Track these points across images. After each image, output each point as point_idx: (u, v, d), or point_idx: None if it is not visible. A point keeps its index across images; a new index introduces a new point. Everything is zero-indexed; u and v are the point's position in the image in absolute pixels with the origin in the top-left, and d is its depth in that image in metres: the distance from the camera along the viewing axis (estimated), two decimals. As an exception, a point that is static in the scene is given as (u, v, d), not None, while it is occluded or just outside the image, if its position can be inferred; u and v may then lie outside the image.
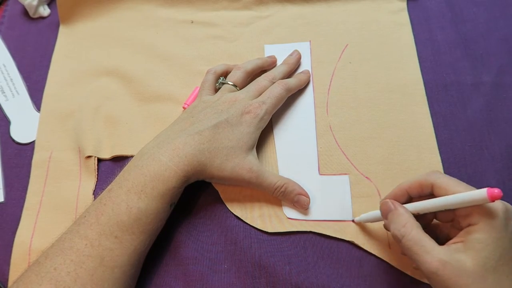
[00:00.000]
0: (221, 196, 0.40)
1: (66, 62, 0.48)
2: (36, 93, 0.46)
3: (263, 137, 0.43)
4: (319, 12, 0.50)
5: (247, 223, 0.39)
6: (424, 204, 0.30)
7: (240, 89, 0.41)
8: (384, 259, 0.37)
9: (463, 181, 0.31)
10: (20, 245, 0.38)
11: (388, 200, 0.32)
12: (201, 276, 0.36)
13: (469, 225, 0.28)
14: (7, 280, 0.37)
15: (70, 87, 0.46)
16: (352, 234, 0.38)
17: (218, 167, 0.36)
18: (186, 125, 0.38)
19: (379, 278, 0.36)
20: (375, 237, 0.38)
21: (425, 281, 0.35)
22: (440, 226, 0.33)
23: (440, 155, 0.41)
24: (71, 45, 0.49)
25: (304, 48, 0.47)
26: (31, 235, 0.39)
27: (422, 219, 0.31)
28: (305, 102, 0.44)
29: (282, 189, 0.38)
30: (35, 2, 0.49)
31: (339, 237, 0.38)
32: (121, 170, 0.36)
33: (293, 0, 0.50)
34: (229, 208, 0.39)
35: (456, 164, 0.41)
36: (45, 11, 0.51)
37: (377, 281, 0.36)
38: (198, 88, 0.44)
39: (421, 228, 0.29)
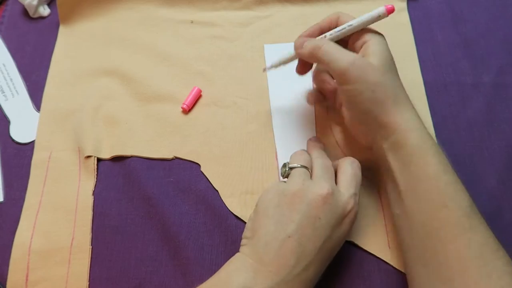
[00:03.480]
0: (219, 194, 0.40)
1: (66, 62, 0.48)
2: (36, 93, 0.46)
3: (263, 138, 0.43)
4: (319, 12, 0.50)
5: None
6: (335, 31, 0.37)
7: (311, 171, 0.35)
8: (384, 259, 0.37)
9: (463, 181, 0.32)
10: (19, 245, 0.38)
11: (301, 36, 0.38)
12: (201, 276, 0.36)
13: (364, 43, 0.35)
14: (6, 280, 0.37)
15: (70, 87, 0.46)
16: (352, 234, 0.38)
17: None
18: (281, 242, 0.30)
19: (379, 278, 0.36)
20: (375, 237, 0.38)
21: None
22: None
23: (440, 155, 0.41)
24: (71, 45, 0.49)
25: (304, 48, 0.47)
26: (31, 236, 0.38)
27: None
28: (305, 102, 0.44)
29: None
30: (35, 2, 0.49)
31: (339, 237, 0.38)
32: (120, 170, 0.36)
33: (293, 0, 0.50)
34: (229, 208, 0.39)
35: (456, 164, 0.41)
36: (45, 11, 0.51)
37: (376, 281, 0.36)
38: (197, 88, 0.44)
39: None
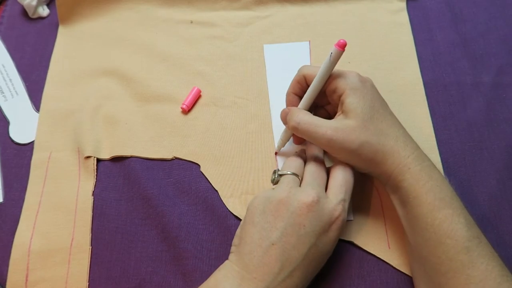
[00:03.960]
0: (219, 194, 0.40)
1: (65, 62, 0.48)
2: (35, 93, 0.46)
3: (263, 138, 0.43)
4: (318, 12, 0.50)
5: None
6: (305, 97, 0.37)
7: (301, 179, 0.35)
8: (384, 259, 0.37)
9: (463, 181, 0.32)
10: (19, 246, 0.38)
11: (283, 108, 0.38)
12: (201, 277, 0.36)
13: (339, 97, 0.35)
14: (5, 281, 0.37)
15: (69, 87, 0.46)
16: (352, 234, 0.38)
17: None
18: (264, 250, 0.31)
19: (379, 278, 0.36)
20: (375, 237, 0.38)
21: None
22: (332, 114, 0.39)
23: (440, 155, 0.41)
24: (70, 45, 0.49)
25: (303, 48, 0.47)
26: (31, 236, 0.38)
27: (318, 114, 0.39)
28: (305, 102, 0.44)
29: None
30: (34, 3, 0.49)
31: (339, 237, 0.37)
32: (120, 170, 0.36)
33: (292, 0, 0.50)
34: (229, 208, 0.39)
35: (456, 164, 0.41)
36: (44, 11, 0.51)
37: (376, 281, 0.36)
38: (196, 88, 0.44)
39: (312, 115, 0.36)
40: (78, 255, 0.38)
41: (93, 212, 0.40)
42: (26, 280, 0.37)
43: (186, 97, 0.44)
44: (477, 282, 0.28)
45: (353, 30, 0.48)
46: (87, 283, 0.37)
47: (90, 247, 0.38)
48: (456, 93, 0.44)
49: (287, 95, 0.39)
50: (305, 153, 0.39)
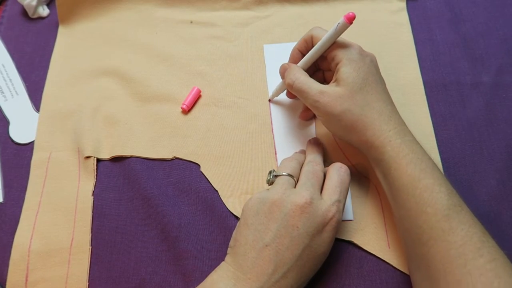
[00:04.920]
0: (219, 194, 0.40)
1: (65, 62, 0.48)
2: (35, 94, 0.46)
3: (263, 138, 0.43)
4: (318, 12, 0.50)
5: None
6: (306, 57, 0.38)
7: (296, 180, 0.35)
8: (384, 259, 0.37)
9: (463, 181, 0.32)
10: (19, 246, 0.38)
11: (284, 63, 0.40)
12: (201, 277, 0.36)
13: (337, 64, 0.36)
14: (5, 281, 0.37)
15: (69, 87, 0.46)
16: (351, 234, 0.38)
17: None
18: (258, 252, 0.31)
19: (379, 278, 0.36)
20: (375, 237, 0.38)
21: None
22: (328, 79, 0.41)
23: (440, 155, 0.41)
24: (70, 45, 0.49)
25: (303, 48, 0.47)
26: (31, 236, 0.38)
27: (315, 76, 0.40)
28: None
29: None
30: (34, 3, 0.49)
31: (339, 237, 0.38)
32: (119, 170, 0.36)
33: (292, 0, 0.50)
34: (229, 208, 0.39)
35: (456, 163, 0.41)
36: (44, 11, 0.51)
37: (376, 281, 0.36)
38: (196, 88, 0.44)
39: (308, 76, 0.37)
40: (78, 255, 0.38)
41: (93, 212, 0.40)
42: (26, 280, 0.37)
43: (186, 97, 0.44)
44: (457, 248, 0.29)
45: (353, 30, 0.48)
46: (87, 283, 0.37)
47: (90, 247, 0.38)
48: (456, 93, 0.44)
49: (293, 50, 0.40)
50: (304, 155, 0.39)
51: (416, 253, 0.32)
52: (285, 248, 0.31)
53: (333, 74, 0.37)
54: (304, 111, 0.43)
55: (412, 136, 0.35)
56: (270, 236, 0.31)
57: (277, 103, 0.45)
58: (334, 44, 0.36)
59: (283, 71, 0.40)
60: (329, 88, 0.35)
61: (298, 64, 0.39)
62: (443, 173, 0.33)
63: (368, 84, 0.35)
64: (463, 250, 0.29)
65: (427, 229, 0.31)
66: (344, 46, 0.36)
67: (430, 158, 0.34)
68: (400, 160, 0.33)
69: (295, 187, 0.34)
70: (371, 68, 0.36)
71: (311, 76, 0.38)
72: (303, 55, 0.39)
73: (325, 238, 0.32)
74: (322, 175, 0.35)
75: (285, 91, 0.43)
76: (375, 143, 0.34)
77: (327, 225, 0.32)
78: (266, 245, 0.31)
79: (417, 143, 0.34)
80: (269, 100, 0.44)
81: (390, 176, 0.33)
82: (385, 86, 0.37)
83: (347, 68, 0.35)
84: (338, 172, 0.35)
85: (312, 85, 0.36)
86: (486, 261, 0.28)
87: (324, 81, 0.41)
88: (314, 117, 0.43)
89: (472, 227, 0.30)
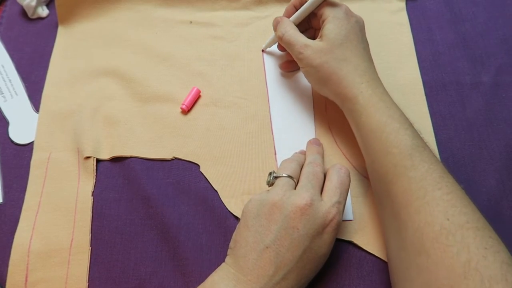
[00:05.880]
0: (219, 194, 0.40)
1: (65, 63, 0.48)
2: (34, 94, 0.46)
3: (263, 138, 0.43)
4: (318, 12, 0.50)
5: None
6: (298, 12, 0.41)
7: (297, 181, 0.35)
8: (384, 259, 0.37)
9: (462, 181, 0.32)
10: (19, 246, 0.38)
11: (277, 16, 0.43)
12: (200, 277, 0.36)
13: (323, 22, 0.39)
14: (5, 281, 0.37)
15: (69, 88, 0.46)
16: (351, 234, 0.38)
17: None
18: (258, 253, 0.31)
19: (379, 278, 0.36)
20: (375, 237, 0.38)
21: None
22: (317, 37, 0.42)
23: (440, 155, 0.41)
24: (70, 45, 0.49)
25: (303, 48, 0.47)
26: (30, 236, 0.38)
27: (307, 33, 0.44)
28: (304, 102, 0.44)
29: None
30: (33, 3, 0.49)
31: (339, 237, 0.38)
32: (119, 170, 0.36)
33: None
34: (229, 209, 0.39)
35: (456, 163, 0.41)
36: (43, 11, 0.51)
37: (376, 281, 0.36)
38: (196, 88, 0.44)
39: (297, 30, 0.41)
40: (78, 256, 0.38)
41: (93, 212, 0.40)
42: (26, 280, 0.37)
43: (185, 97, 0.44)
44: (417, 182, 0.31)
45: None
46: (87, 283, 0.37)
47: (90, 247, 0.38)
48: (456, 93, 0.44)
49: (288, 5, 0.43)
50: (304, 156, 0.39)
51: (382, 191, 0.34)
52: (285, 250, 0.31)
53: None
54: (286, 62, 0.46)
55: (383, 88, 0.37)
56: (270, 237, 0.31)
57: (277, 102, 0.45)
58: (324, 3, 0.39)
59: (275, 24, 0.43)
60: (313, 42, 0.39)
61: (290, 19, 0.42)
62: (409, 121, 0.35)
63: (349, 41, 0.38)
64: (423, 184, 0.31)
65: (391, 168, 0.33)
66: (332, 5, 0.39)
67: (398, 107, 0.36)
68: (369, 108, 0.35)
69: (295, 189, 0.34)
70: (355, 28, 0.39)
71: (302, 32, 0.41)
72: (296, 11, 0.42)
73: (326, 240, 0.32)
74: (322, 176, 0.35)
75: (277, 43, 0.46)
76: (348, 95, 0.37)
77: (327, 226, 0.32)
78: (267, 247, 0.31)
79: (387, 94, 0.37)
80: (262, 51, 0.48)
81: (361, 123, 0.36)
82: (367, 47, 0.40)
83: (331, 25, 0.38)
84: (338, 173, 0.35)
85: (298, 38, 0.39)
86: (443, 193, 0.30)
87: (314, 38, 0.42)
88: (295, 69, 0.46)
89: (433, 165, 0.32)
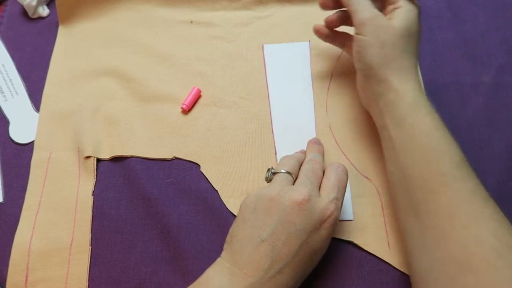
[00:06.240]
0: (219, 194, 0.40)
1: (65, 62, 0.48)
2: (35, 93, 0.46)
3: (263, 138, 0.43)
4: (318, 12, 0.49)
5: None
6: None
7: (295, 178, 0.35)
8: (384, 259, 0.37)
9: None
10: (19, 246, 0.38)
11: None
12: (200, 275, 0.36)
13: (395, 8, 0.37)
14: (5, 281, 0.37)
15: (69, 87, 0.46)
16: (351, 234, 0.38)
17: None
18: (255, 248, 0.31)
19: (379, 278, 0.36)
20: (375, 237, 0.38)
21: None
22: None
23: (440, 155, 0.41)
24: (70, 45, 0.49)
25: (303, 48, 0.47)
26: (30, 236, 0.38)
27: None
28: (305, 102, 0.44)
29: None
30: (34, 2, 0.49)
31: (339, 237, 0.38)
32: (120, 170, 0.36)
33: (292, 0, 0.50)
34: (229, 208, 0.39)
35: (456, 164, 0.41)
36: (44, 11, 0.51)
37: (376, 281, 0.36)
38: (196, 88, 0.44)
39: None
40: (78, 255, 0.38)
41: (93, 212, 0.40)
42: (26, 280, 0.37)
43: (186, 97, 0.44)
44: (466, 196, 0.30)
45: (353, 30, 0.48)
46: (87, 283, 0.37)
47: (90, 247, 0.38)
48: (456, 93, 0.44)
49: None
50: (304, 154, 0.39)
51: (418, 200, 0.32)
52: (282, 244, 0.31)
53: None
54: (333, 20, 0.42)
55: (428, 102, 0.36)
56: (267, 232, 0.31)
57: (277, 103, 0.45)
58: None
59: None
60: (384, 18, 0.36)
61: None
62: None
63: (414, 39, 0.37)
64: (473, 199, 0.30)
65: (437, 176, 0.31)
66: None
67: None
68: (420, 108, 0.34)
69: (293, 185, 0.34)
70: (418, 33, 0.37)
71: None
72: None
73: (323, 235, 0.32)
74: (321, 173, 0.35)
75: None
76: (398, 86, 0.35)
77: (325, 222, 0.32)
78: (263, 241, 0.31)
79: (431, 107, 0.35)
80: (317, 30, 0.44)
81: (407, 122, 0.34)
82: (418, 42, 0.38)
83: (404, 13, 0.36)
84: (336, 171, 0.35)
85: (369, 5, 0.37)
86: (492, 212, 0.29)
87: None
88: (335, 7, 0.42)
89: (479, 181, 0.31)
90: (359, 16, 0.37)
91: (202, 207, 0.40)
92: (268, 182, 0.36)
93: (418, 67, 0.37)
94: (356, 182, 0.40)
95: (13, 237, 0.38)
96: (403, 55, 0.35)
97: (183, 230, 0.38)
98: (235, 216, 0.39)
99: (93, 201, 0.40)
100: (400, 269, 0.36)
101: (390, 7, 0.38)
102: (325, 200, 0.33)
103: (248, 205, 0.33)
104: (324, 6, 0.42)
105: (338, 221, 0.33)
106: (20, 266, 0.37)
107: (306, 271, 0.33)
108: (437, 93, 0.44)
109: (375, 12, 0.36)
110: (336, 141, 0.42)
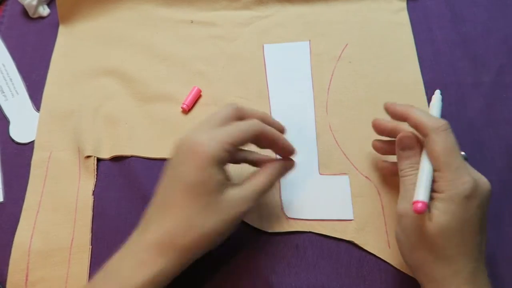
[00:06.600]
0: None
1: (65, 62, 0.48)
2: (35, 93, 0.46)
3: (263, 137, 0.43)
4: (318, 12, 0.50)
5: (247, 224, 0.38)
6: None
7: None
8: (384, 259, 0.37)
9: None
10: (19, 245, 0.38)
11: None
12: (201, 276, 0.36)
13: (440, 193, 0.30)
14: (6, 281, 0.37)
15: (69, 87, 0.46)
16: (352, 234, 0.38)
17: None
18: None
19: (379, 278, 0.36)
20: (375, 237, 0.38)
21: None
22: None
23: (440, 155, 0.41)
24: (71, 45, 0.49)
25: (303, 48, 0.47)
26: (31, 236, 0.38)
27: None
28: (305, 102, 0.44)
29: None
30: (34, 2, 0.49)
31: (339, 237, 0.38)
32: (120, 170, 0.36)
33: (292, 0, 0.50)
34: (229, 208, 0.39)
35: (456, 164, 0.41)
36: (44, 11, 0.51)
37: (376, 281, 0.36)
38: (196, 88, 0.44)
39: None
40: (78, 255, 0.38)
41: (93, 211, 0.40)
42: (26, 279, 0.37)
43: (186, 97, 0.44)
44: None
45: (353, 30, 0.48)
46: (87, 283, 0.37)
47: (91, 247, 0.38)
48: (456, 93, 0.44)
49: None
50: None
51: None
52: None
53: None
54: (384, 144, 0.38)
55: None
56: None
57: (277, 102, 0.45)
58: (448, 167, 0.30)
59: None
60: (414, 221, 0.30)
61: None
62: None
63: (461, 236, 0.29)
64: None
65: None
66: (455, 178, 0.29)
67: None
68: None
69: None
70: (474, 217, 0.29)
71: None
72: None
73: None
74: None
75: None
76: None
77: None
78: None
79: None
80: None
81: None
82: (484, 236, 0.30)
83: (443, 205, 0.29)
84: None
85: (407, 194, 0.31)
86: None
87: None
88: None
89: None
90: (398, 208, 0.32)
91: (202, 207, 0.40)
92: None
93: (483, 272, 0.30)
94: (356, 182, 0.40)
95: (13, 237, 0.38)
96: (438, 267, 0.29)
97: (183, 230, 0.38)
98: (235, 216, 0.39)
99: (93, 200, 0.40)
100: (400, 269, 0.36)
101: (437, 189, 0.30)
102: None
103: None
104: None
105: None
106: (20, 266, 0.37)
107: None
108: (437, 93, 0.44)
109: (404, 208, 0.31)
110: (336, 141, 0.42)
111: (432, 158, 0.31)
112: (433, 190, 0.30)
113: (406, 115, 0.34)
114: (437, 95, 0.36)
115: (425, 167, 0.31)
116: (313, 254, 0.37)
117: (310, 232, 0.38)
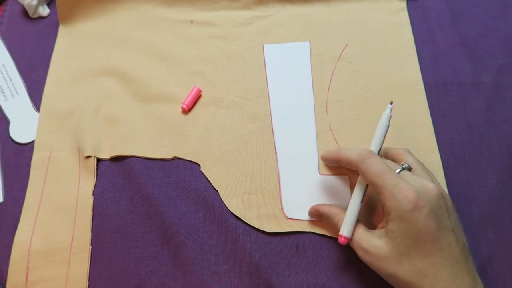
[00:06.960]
0: (219, 194, 0.40)
1: (65, 62, 0.48)
2: (35, 93, 0.46)
3: (263, 138, 0.43)
4: (319, 12, 0.50)
5: (247, 224, 0.38)
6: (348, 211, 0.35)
7: None
8: (384, 259, 0.37)
9: (463, 181, 0.32)
10: (19, 245, 0.38)
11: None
12: (201, 277, 0.36)
13: (387, 215, 0.31)
14: (6, 281, 0.37)
15: (69, 87, 0.46)
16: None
17: None
18: None
19: (379, 278, 0.36)
20: (375, 237, 0.38)
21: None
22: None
23: (440, 155, 0.41)
24: (71, 45, 0.49)
25: (303, 48, 0.47)
26: (31, 236, 0.38)
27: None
28: (305, 102, 0.44)
29: None
30: (34, 2, 0.49)
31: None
32: (120, 170, 0.36)
33: (293, 0, 0.50)
34: (229, 208, 0.39)
35: (456, 164, 0.41)
36: (44, 11, 0.51)
37: (376, 281, 0.36)
38: (196, 88, 0.44)
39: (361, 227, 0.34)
40: (78, 255, 0.38)
41: (93, 211, 0.40)
42: (26, 279, 0.37)
43: (186, 97, 0.44)
44: None
45: (353, 30, 0.48)
46: (87, 283, 0.37)
47: (90, 247, 0.38)
48: (456, 93, 0.44)
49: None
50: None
51: None
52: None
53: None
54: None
55: None
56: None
57: (277, 102, 0.45)
58: (385, 188, 0.31)
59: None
60: (372, 244, 0.32)
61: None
62: None
63: (421, 247, 0.30)
64: None
65: None
66: (396, 194, 0.30)
67: None
68: None
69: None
70: (428, 223, 0.30)
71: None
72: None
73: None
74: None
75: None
76: None
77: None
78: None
79: None
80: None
81: None
82: (451, 235, 0.30)
83: (394, 226, 0.30)
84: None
85: (361, 235, 0.33)
86: None
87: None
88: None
89: None
90: (357, 248, 0.34)
91: (202, 207, 0.40)
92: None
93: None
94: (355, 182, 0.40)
95: (13, 237, 0.38)
96: (414, 279, 0.30)
97: (183, 230, 0.38)
98: (235, 216, 0.39)
99: (93, 200, 0.40)
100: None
101: (384, 212, 0.32)
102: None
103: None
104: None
105: None
106: (20, 266, 0.37)
107: None
108: (437, 93, 0.44)
109: (363, 246, 0.32)
110: (336, 141, 0.42)
111: (370, 185, 0.33)
112: (385, 213, 0.32)
113: (337, 159, 0.37)
114: (382, 119, 0.36)
115: (353, 201, 0.34)
116: (313, 254, 0.37)
117: (310, 232, 0.38)
